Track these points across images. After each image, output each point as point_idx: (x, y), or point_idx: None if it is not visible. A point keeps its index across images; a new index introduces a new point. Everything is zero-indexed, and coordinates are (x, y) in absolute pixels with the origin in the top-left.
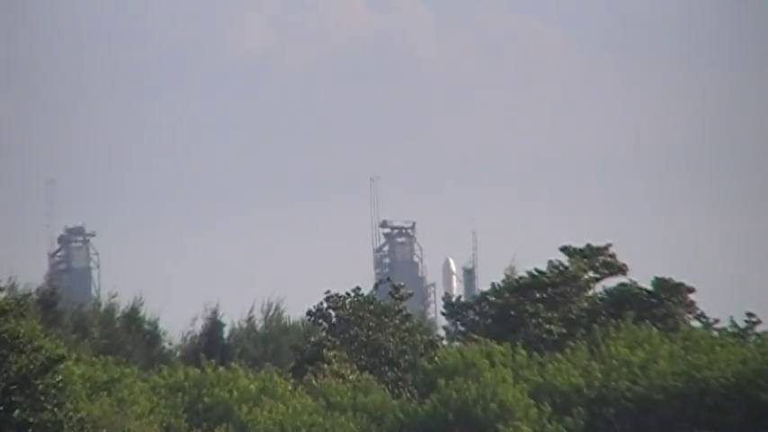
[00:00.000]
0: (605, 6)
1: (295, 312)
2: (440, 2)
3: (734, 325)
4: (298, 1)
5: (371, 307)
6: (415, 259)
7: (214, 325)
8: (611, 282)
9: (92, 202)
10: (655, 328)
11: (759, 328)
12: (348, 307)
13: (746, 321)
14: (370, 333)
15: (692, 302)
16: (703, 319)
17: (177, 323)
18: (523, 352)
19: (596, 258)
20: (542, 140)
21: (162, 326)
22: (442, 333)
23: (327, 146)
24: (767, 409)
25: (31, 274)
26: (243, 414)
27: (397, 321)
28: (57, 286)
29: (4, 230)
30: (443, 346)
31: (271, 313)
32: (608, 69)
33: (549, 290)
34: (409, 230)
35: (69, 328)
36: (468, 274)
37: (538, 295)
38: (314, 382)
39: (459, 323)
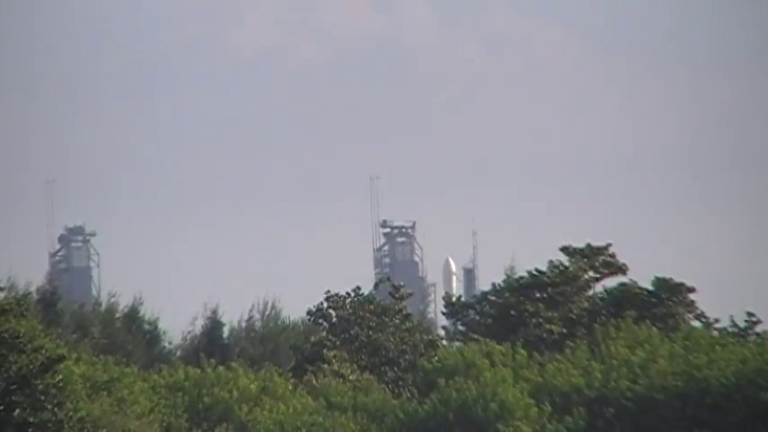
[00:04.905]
0: (607, 6)
1: (295, 312)
2: (442, 3)
3: (734, 325)
4: (300, 1)
5: (371, 307)
6: (415, 259)
7: (214, 325)
8: (611, 282)
9: (92, 202)
10: (655, 328)
11: (759, 328)
12: (348, 307)
13: (746, 321)
14: (371, 333)
15: (692, 302)
16: (703, 319)
17: (177, 323)
18: (523, 352)
19: (596, 258)
20: (542, 140)
21: (162, 326)
22: (442, 333)
23: (327, 146)
24: (767, 409)
25: (32, 274)
26: (243, 414)
27: (397, 321)
28: (57, 286)
29: (4, 230)
30: (443, 346)
31: (268, 312)
32: (608, 69)
33: (550, 290)
34: (409, 230)
35: (69, 327)
36: (469, 274)
37: (538, 295)
38: (314, 381)
39: (459, 323)
